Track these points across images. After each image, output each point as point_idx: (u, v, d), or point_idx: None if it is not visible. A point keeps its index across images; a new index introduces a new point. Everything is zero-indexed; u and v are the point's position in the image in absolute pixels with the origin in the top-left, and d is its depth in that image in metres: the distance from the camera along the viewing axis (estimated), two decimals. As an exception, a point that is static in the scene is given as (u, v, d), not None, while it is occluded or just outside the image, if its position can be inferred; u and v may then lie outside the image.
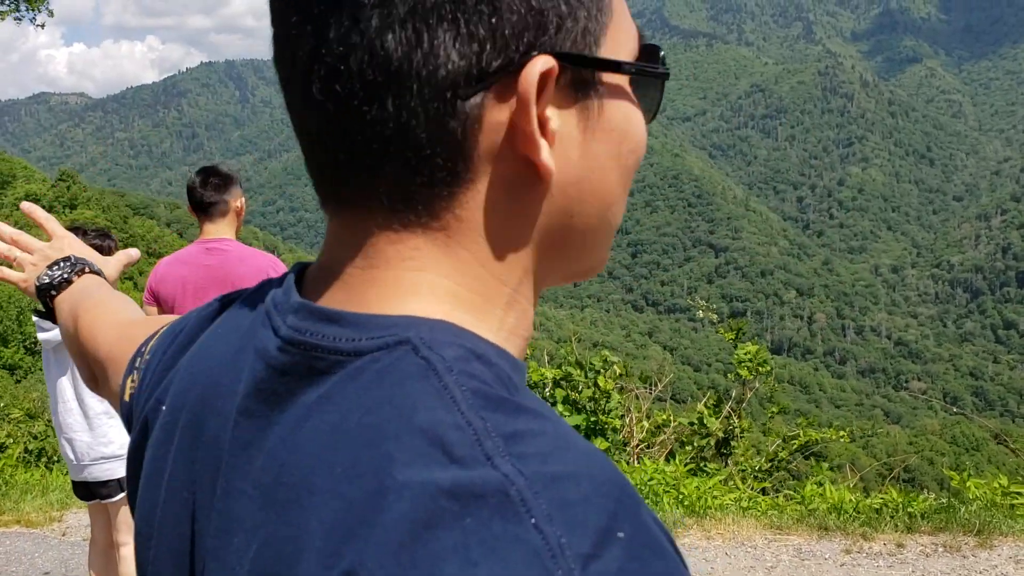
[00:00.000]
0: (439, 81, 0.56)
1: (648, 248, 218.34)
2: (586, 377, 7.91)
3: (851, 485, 7.31)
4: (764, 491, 7.22)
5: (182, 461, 0.68)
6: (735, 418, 7.64)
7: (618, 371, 8.09)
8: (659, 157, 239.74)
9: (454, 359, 0.55)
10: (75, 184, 66.88)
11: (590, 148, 0.63)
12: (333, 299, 0.64)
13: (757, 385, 7.78)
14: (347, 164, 0.60)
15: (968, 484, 6.58)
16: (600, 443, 7.40)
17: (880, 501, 6.35)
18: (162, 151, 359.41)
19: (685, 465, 7.12)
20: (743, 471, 7.41)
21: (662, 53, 0.68)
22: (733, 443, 7.62)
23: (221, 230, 3.90)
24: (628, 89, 0.65)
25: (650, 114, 0.69)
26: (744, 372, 7.70)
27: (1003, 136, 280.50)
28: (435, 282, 0.61)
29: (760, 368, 7.71)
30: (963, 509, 6.05)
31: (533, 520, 0.46)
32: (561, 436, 0.52)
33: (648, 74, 0.66)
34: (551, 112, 0.60)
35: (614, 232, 0.70)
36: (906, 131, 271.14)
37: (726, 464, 7.55)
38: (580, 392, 7.89)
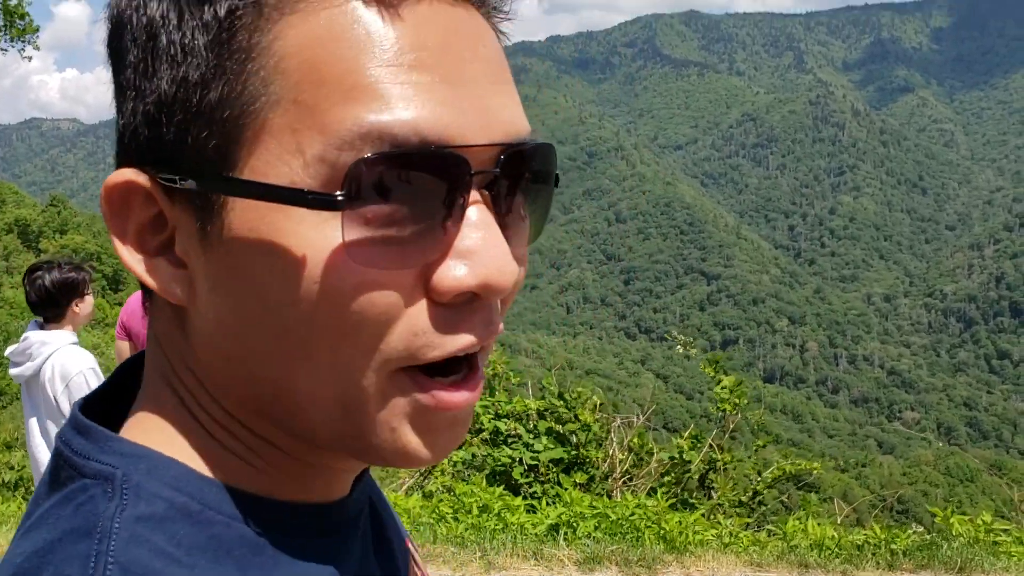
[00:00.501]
0: None
1: (640, 275, 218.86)
2: (568, 409, 7.85)
3: (839, 520, 7.25)
4: (747, 526, 7.14)
5: None
6: (717, 451, 7.57)
7: (597, 401, 8.05)
8: (651, 185, 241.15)
9: (137, 519, 0.48)
10: (66, 209, 66.69)
11: (225, 286, 0.50)
12: (136, 406, 0.58)
13: (739, 416, 7.72)
14: None
15: (952, 521, 6.52)
16: (580, 476, 7.34)
17: (862, 537, 6.28)
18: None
19: (667, 500, 7.05)
20: (721, 506, 7.33)
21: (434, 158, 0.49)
22: (714, 475, 7.54)
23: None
24: (292, 221, 0.48)
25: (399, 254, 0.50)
26: (726, 407, 7.65)
27: (995, 165, 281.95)
28: (186, 407, 0.55)
29: (738, 400, 7.65)
30: (946, 546, 5.98)
31: None
32: None
33: (289, 198, 0.48)
34: (180, 235, 0.52)
35: (344, 406, 0.52)
36: (898, 160, 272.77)
37: (709, 497, 7.47)
38: (564, 425, 7.82)
